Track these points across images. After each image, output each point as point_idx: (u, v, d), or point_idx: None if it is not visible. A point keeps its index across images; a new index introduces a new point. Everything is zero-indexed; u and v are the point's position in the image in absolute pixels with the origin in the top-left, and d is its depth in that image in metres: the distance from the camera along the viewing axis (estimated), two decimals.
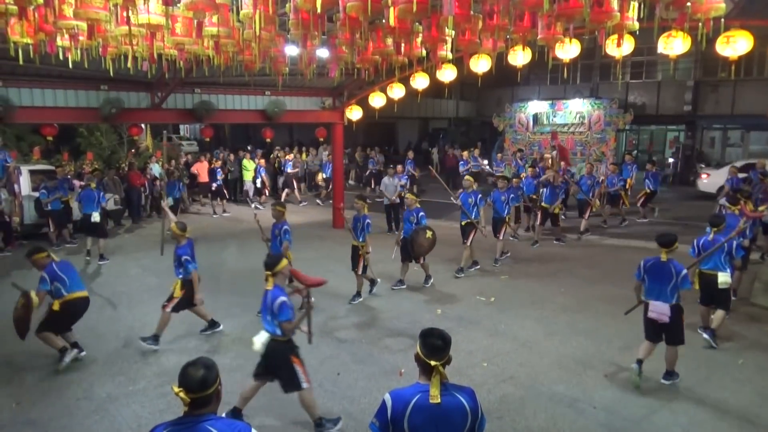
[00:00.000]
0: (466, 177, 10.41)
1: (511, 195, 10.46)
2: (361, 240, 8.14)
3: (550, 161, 15.34)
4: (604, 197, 13.96)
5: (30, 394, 5.53)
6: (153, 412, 5.16)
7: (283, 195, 17.95)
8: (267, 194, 18.17)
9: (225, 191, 17.10)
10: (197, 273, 6.71)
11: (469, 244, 9.61)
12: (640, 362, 5.60)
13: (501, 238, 10.34)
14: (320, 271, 7.93)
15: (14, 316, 5.88)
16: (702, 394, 5.43)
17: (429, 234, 8.36)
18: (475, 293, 8.56)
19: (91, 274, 9.75)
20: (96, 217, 10.57)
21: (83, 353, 6.29)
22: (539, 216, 11.92)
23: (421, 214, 8.60)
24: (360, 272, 8.23)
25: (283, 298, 4.48)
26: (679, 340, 5.53)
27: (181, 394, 2.41)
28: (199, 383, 2.44)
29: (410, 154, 19.57)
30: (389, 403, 2.70)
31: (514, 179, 12.12)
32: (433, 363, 2.64)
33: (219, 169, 16.84)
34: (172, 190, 14.51)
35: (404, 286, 8.80)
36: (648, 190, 13.89)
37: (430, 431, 2.65)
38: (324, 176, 18.52)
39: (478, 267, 9.93)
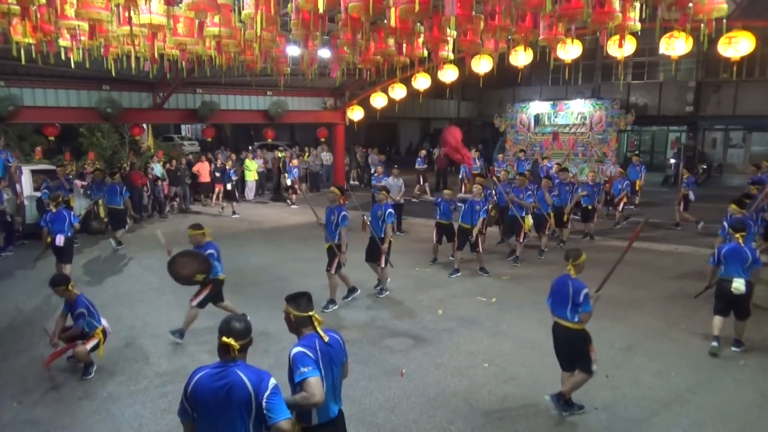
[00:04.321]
0: (332, 189, 8.25)
1: (388, 210, 8.25)
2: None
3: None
4: (607, 202, 13.59)
5: (31, 393, 5.53)
6: (154, 412, 5.16)
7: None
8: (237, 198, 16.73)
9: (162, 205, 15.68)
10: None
11: (333, 271, 7.78)
12: None
13: (382, 265, 8.35)
14: (321, 271, 7.95)
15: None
16: (703, 396, 5.42)
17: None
18: (476, 294, 8.55)
19: (92, 273, 9.75)
20: (61, 240, 8.44)
21: None
22: (455, 239, 9.72)
23: (210, 251, 6.55)
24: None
25: (586, 290, 4.86)
26: None
27: (232, 342, 2.87)
28: (245, 331, 2.95)
29: (422, 153, 19.53)
30: (308, 351, 3.07)
31: (463, 194, 10.92)
32: (310, 313, 3.22)
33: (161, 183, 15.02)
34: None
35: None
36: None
37: (330, 368, 3.17)
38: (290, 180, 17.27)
39: (357, 293, 8.23)
